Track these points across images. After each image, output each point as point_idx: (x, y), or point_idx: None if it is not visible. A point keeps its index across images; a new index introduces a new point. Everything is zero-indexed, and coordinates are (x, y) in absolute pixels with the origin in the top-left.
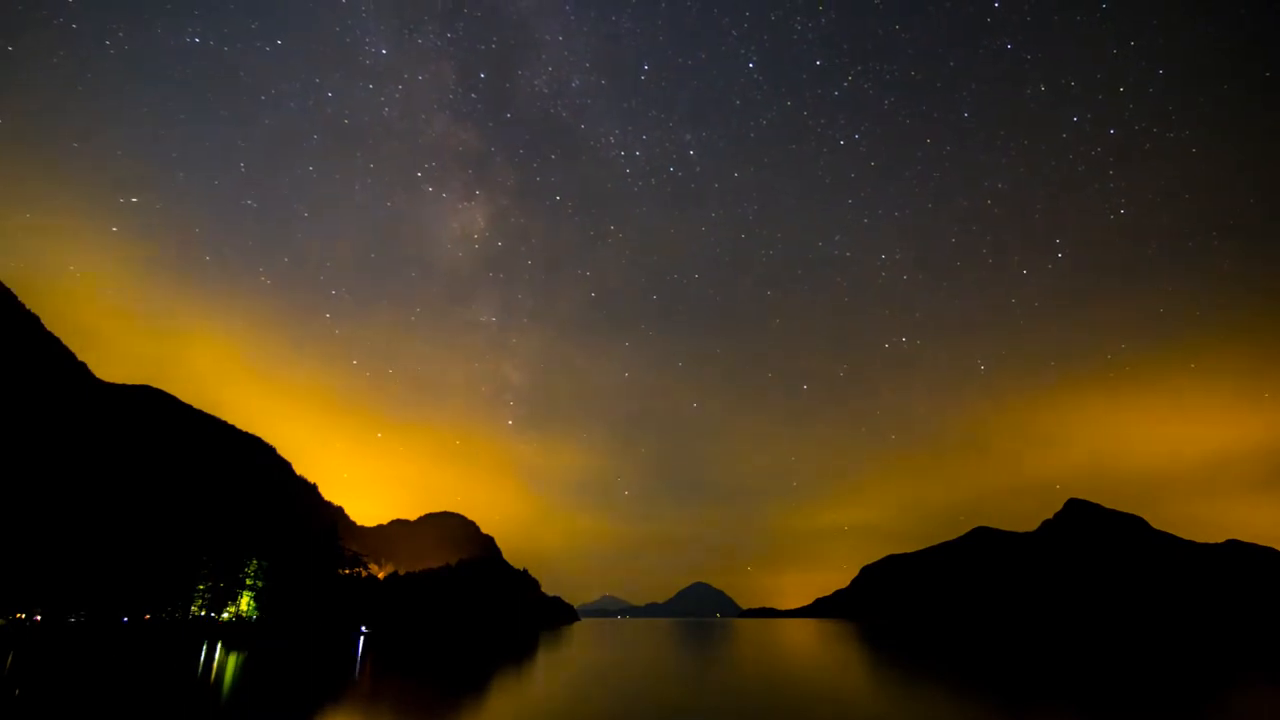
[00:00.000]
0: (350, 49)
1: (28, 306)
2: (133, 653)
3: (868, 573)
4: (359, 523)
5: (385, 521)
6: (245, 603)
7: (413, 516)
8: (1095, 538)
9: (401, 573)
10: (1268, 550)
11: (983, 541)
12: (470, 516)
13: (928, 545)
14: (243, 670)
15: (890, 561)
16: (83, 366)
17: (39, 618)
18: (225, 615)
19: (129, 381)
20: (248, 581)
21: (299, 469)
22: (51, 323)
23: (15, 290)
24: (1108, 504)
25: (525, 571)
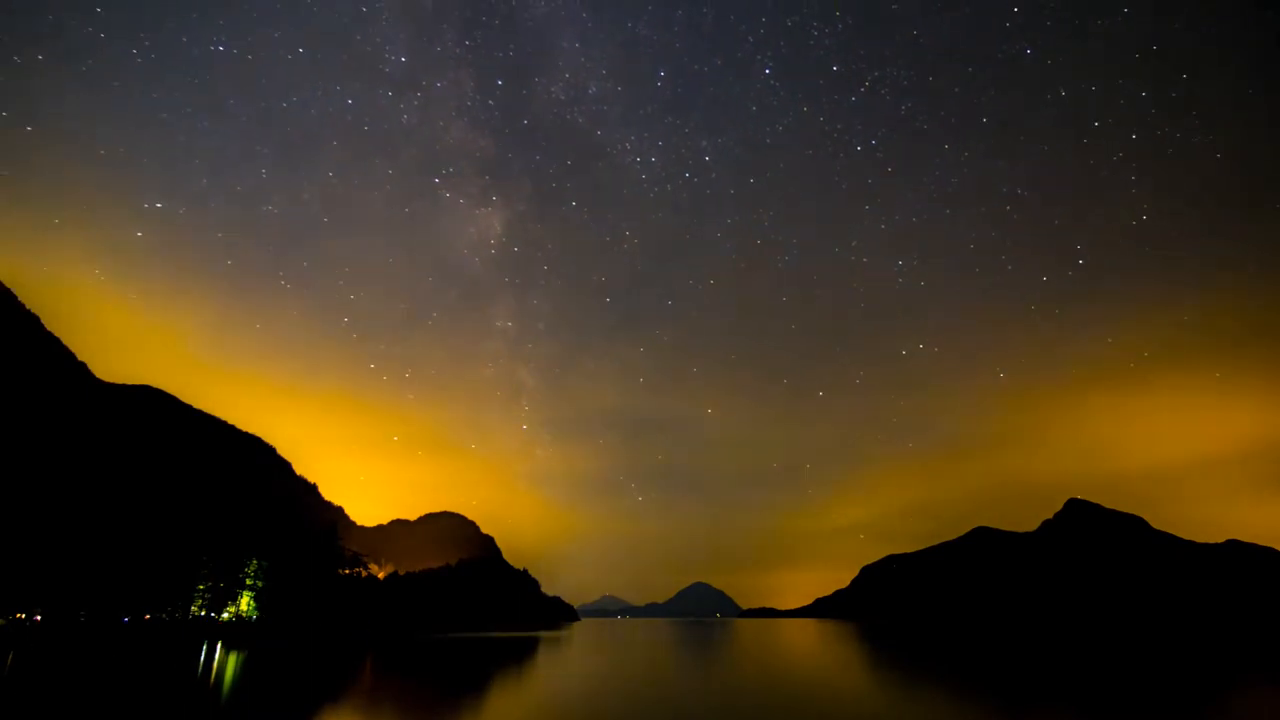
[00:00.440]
0: (370, 57)
1: (28, 306)
2: (133, 653)
3: (868, 573)
4: (359, 523)
5: (385, 521)
6: (245, 603)
7: (413, 516)
8: (1095, 538)
9: (401, 573)
10: (1268, 550)
11: (983, 541)
12: (470, 516)
13: (928, 545)
14: (243, 670)
15: (890, 561)
16: (83, 366)
17: (39, 618)
18: (225, 615)
19: (129, 381)
20: (248, 581)
21: (299, 469)
22: (51, 323)
23: (15, 290)
24: (1108, 504)
25: (525, 571)
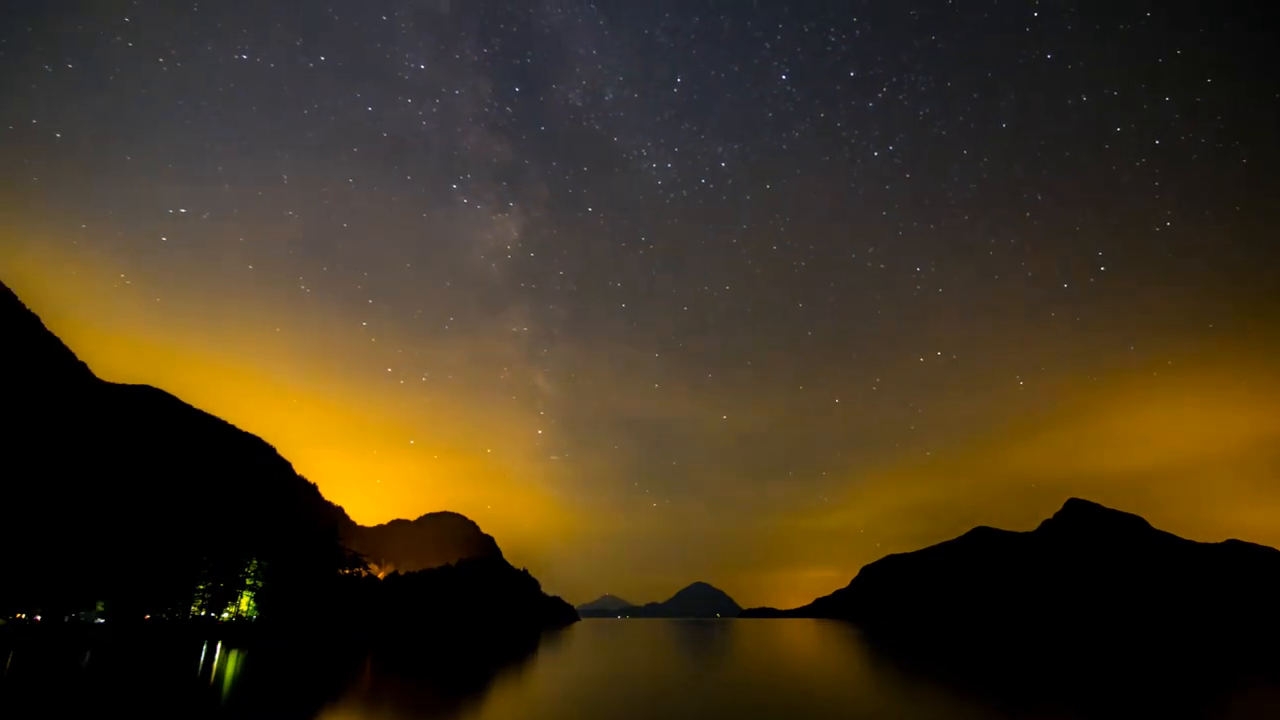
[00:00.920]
0: (390, 64)
1: (28, 306)
2: (132, 653)
3: (868, 573)
4: (359, 523)
5: (385, 521)
6: (245, 603)
7: (413, 516)
8: (1095, 538)
9: (401, 573)
10: (1268, 550)
11: (983, 541)
12: (470, 516)
13: (928, 545)
14: (243, 670)
15: (890, 561)
16: (83, 366)
17: (39, 618)
18: (225, 615)
19: (129, 381)
20: (248, 581)
21: (299, 469)
22: (51, 323)
23: (15, 290)
24: (1108, 504)
25: (525, 571)
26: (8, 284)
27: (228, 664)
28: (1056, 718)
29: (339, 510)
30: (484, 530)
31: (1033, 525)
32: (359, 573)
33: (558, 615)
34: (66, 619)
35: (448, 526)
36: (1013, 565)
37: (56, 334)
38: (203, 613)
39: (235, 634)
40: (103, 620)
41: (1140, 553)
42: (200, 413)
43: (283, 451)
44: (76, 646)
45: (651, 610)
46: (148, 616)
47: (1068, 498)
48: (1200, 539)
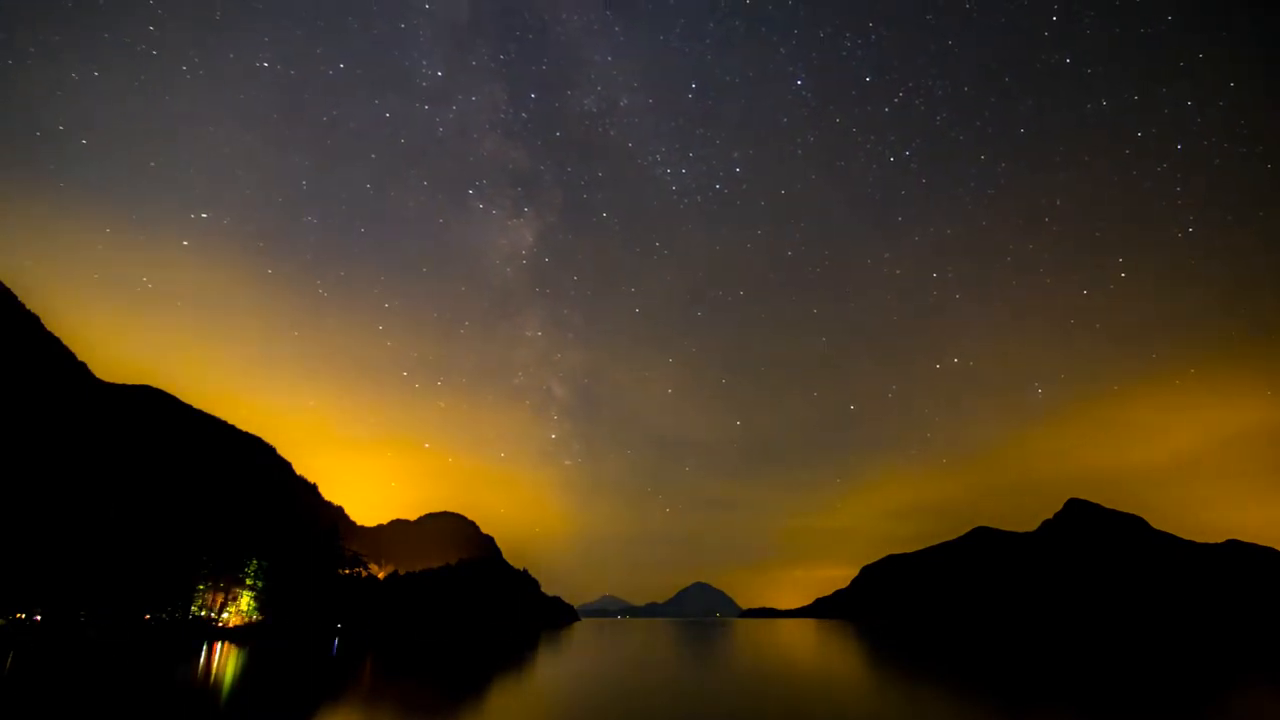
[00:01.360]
0: (408, 71)
1: (28, 307)
2: (132, 653)
3: (868, 573)
4: (359, 523)
5: (385, 521)
6: (245, 603)
7: (413, 516)
8: (1095, 538)
9: (401, 573)
10: (1268, 550)
11: (983, 541)
12: (470, 516)
13: (928, 545)
14: (243, 670)
15: (890, 561)
16: (83, 366)
17: (39, 618)
18: (225, 615)
19: (129, 381)
20: (248, 581)
21: (299, 469)
22: (51, 323)
23: (15, 290)
24: (1108, 504)
25: (525, 571)
26: (10, 286)
27: (228, 664)
28: (1056, 718)
29: (339, 510)
30: (484, 530)
31: (1033, 525)
32: (359, 573)
33: (558, 615)
34: (67, 619)
35: (448, 526)
36: (1013, 565)
37: (57, 334)
38: (203, 613)
39: (235, 634)
40: (102, 620)
41: (1140, 553)
42: (200, 413)
43: (283, 451)
44: (76, 647)
45: (651, 610)
46: (148, 616)
47: (1068, 498)
48: (1200, 539)
